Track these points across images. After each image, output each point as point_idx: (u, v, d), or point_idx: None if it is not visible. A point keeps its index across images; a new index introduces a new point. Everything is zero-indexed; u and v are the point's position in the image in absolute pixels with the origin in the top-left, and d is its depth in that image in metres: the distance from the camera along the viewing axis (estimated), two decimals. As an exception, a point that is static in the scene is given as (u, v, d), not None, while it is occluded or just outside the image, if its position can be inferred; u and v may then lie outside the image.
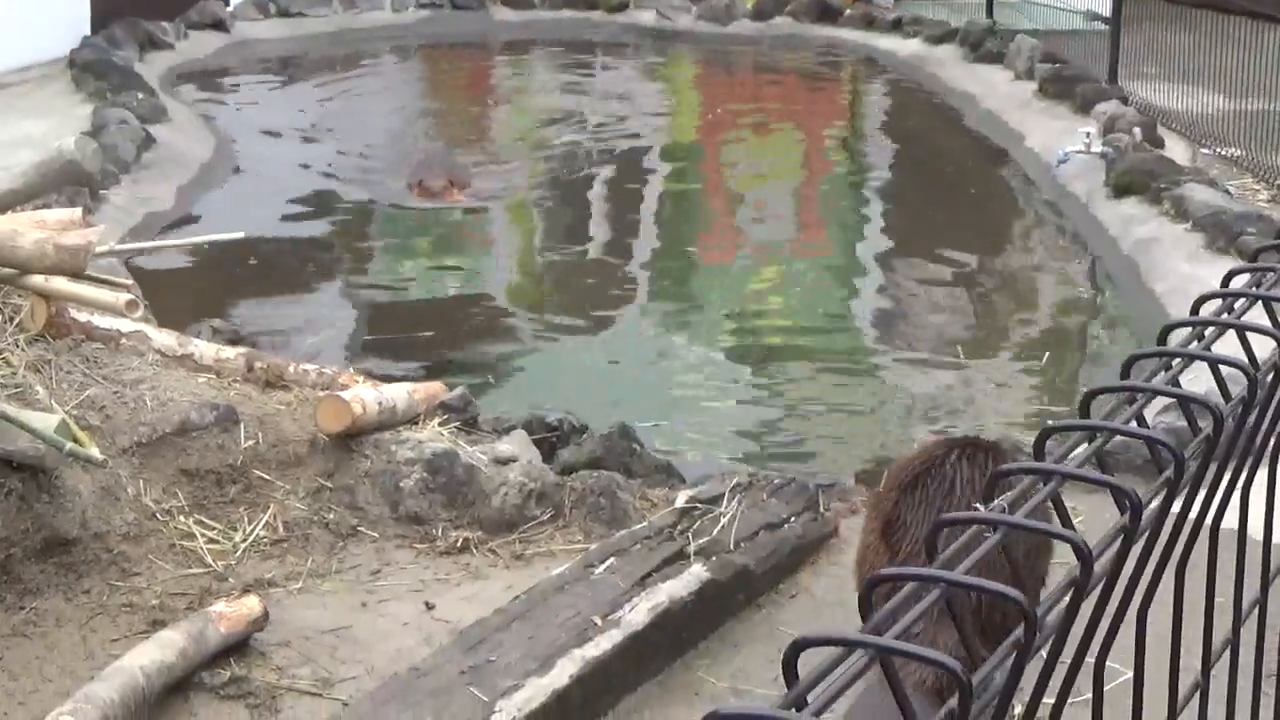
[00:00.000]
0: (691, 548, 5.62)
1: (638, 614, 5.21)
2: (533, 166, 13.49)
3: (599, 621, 5.12)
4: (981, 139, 14.19)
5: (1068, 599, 1.27)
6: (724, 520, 5.79)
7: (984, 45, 16.13)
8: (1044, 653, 1.27)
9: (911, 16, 18.06)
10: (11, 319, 6.15)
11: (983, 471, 6.45)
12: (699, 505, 5.89)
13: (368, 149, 13.61)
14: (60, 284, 6.16)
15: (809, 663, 1.03)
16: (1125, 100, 13.44)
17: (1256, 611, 1.94)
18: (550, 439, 6.74)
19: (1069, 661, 1.37)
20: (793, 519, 5.97)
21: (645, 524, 5.81)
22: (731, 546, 5.68)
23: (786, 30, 18.58)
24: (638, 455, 6.71)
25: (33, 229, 6.04)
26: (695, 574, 5.49)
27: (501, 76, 17.91)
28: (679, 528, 5.74)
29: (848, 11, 18.59)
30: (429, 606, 5.55)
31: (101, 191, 10.79)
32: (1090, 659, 1.50)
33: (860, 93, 17.45)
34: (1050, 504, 1.39)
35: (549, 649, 4.93)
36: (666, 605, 5.30)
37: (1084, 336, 9.77)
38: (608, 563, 5.46)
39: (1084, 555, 1.23)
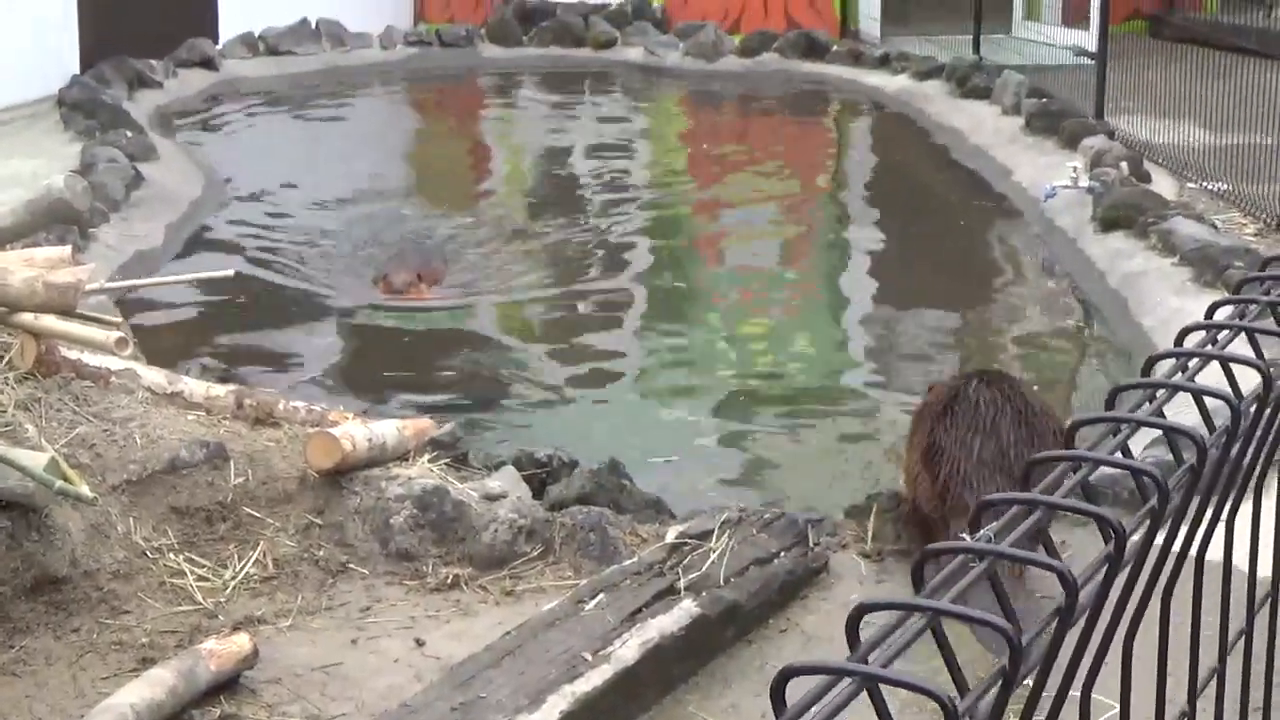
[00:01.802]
0: (682, 583, 5.62)
1: (628, 649, 5.21)
2: (516, 216, 13.42)
3: (589, 657, 5.11)
4: (969, 174, 14.23)
5: (1052, 628, 1.28)
6: (714, 555, 5.79)
7: (971, 81, 16.19)
8: (1029, 682, 1.28)
9: (898, 52, 18.13)
10: (1, 357, 6.15)
11: (1002, 392, 6.60)
12: (689, 541, 5.89)
13: (345, 197, 13.53)
14: (50, 322, 6.17)
15: (796, 693, 1.04)
16: (1112, 135, 13.49)
17: (1242, 642, 1.95)
18: (540, 475, 6.74)
19: (1054, 693, 1.37)
20: (783, 554, 5.97)
21: (635, 560, 5.81)
22: (722, 582, 5.68)
23: (774, 66, 18.64)
24: (627, 491, 6.71)
25: (22, 267, 6.04)
26: (686, 609, 5.48)
27: (488, 115, 17.94)
28: (669, 563, 5.74)
29: (835, 48, 18.65)
30: (419, 643, 5.55)
31: (91, 230, 10.80)
32: (1075, 691, 1.51)
33: (848, 128, 17.50)
34: (1036, 533, 1.40)
35: (540, 685, 4.93)
36: (657, 641, 5.30)
37: (1071, 370, 9.79)
38: (598, 598, 5.46)
39: (1069, 584, 1.24)
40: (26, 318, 6.11)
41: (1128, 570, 1.43)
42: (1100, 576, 1.36)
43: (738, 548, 5.88)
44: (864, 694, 1.16)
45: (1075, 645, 1.39)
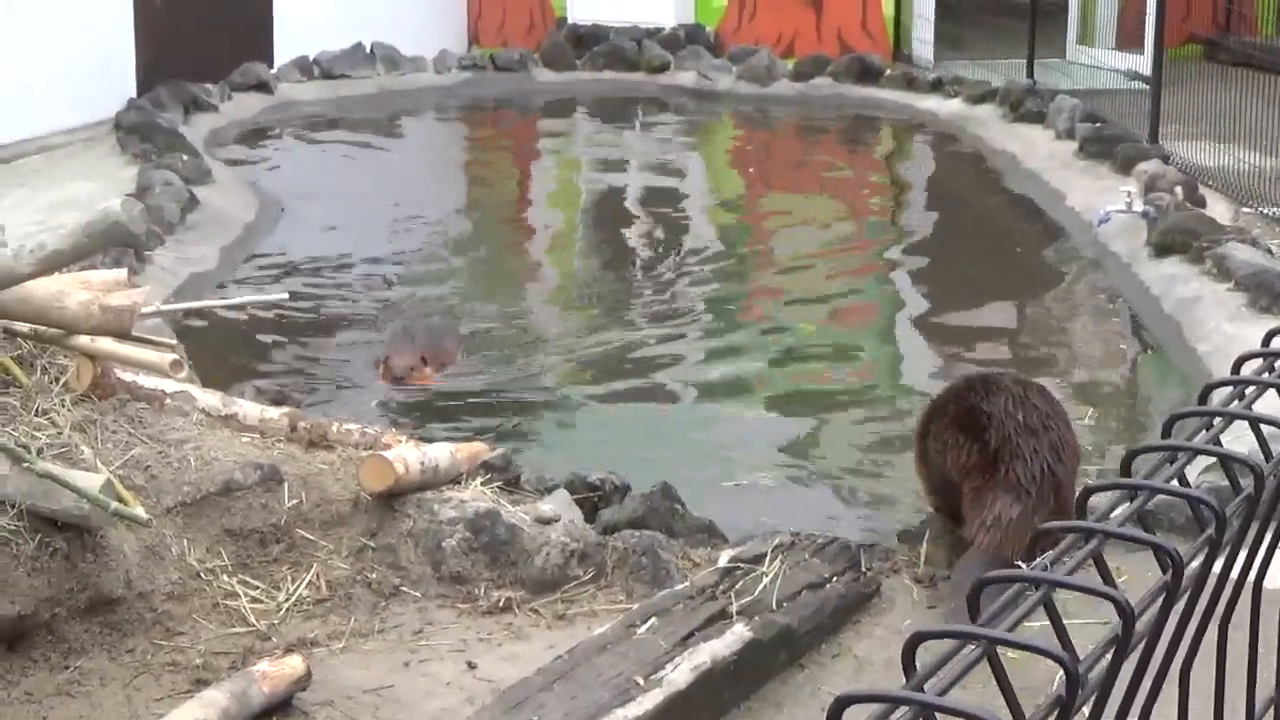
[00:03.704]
0: (734, 607, 5.61)
1: (680, 674, 5.21)
2: (567, 242, 13.42)
3: (641, 681, 5.11)
4: (1022, 199, 14.19)
5: (1110, 657, 1.28)
6: (766, 580, 5.79)
7: (1024, 105, 16.14)
8: (1086, 711, 1.27)
9: (952, 77, 18.09)
10: (57, 379, 6.18)
11: (1015, 378, 6.97)
12: (741, 565, 5.88)
13: (399, 222, 13.51)
14: (106, 344, 6.20)
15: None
16: (1166, 159, 13.43)
17: (1300, 671, 1.93)
18: (592, 499, 6.74)
19: (1112, 720, 1.37)
20: (835, 579, 5.96)
21: (687, 584, 5.81)
22: (774, 606, 5.67)
23: (827, 90, 18.62)
24: (680, 515, 6.70)
25: (79, 290, 6.08)
26: (738, 634, 5.48)
27: (542, 140, 17.96)
28: (721, 587, 5.73)
29: (888, 72, 18.63)
30: (471, 666, 5.56)
31: (146, 252, 10.86)
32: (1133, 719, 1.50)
33: (901, 153, 17.47)
34: (1092, 562, 1.39)
35: (591, 709, 4.93)
36: (709, 665, 5.30)
37: (1126, 396, 9.74)
38: (650, 622, 5.46)
39: (1126, 613, 1.24)
40: (83, 340, 6.14)
41: (1185, 599, 1.42)
42: (1157, 605, 1.36)
43: (790, 572, 5.87)
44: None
45: (1132, 674, 1.38)
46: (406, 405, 9.25)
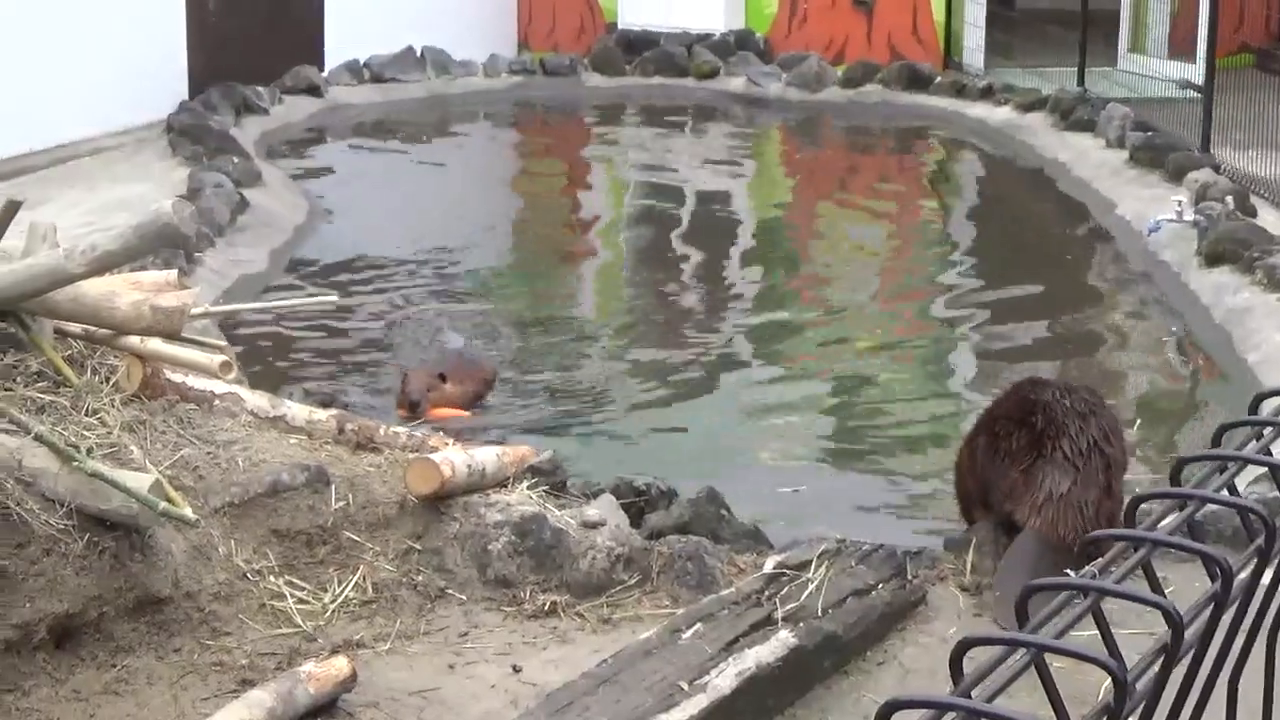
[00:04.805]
0: (779, 614, 5.60)
1: (725, 679, 5.20)
2: (616, 249, 13.42)
3: (685, 686, 5.11)
4: (1073, 207, 14.15)
5: (1158, 666, 1.27)
6: (812, 586, 5.78)
7: (1075, 113, 16.09)
8: None
9: (1002, 84, 18.05)
10: (107, 379, 6.21)
11: (1053, 380, 7.06)
12: (787, 571, 5.87)
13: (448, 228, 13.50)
14: (156, 345, 6.23)
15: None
16: (1217, 168, 13.37)
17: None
18: (638, 503, 6.73)
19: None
20: (881, 586, 5.95)
21: (733, 589, 5.80)
22: (819, 613, 5.66)
23: (877, 97, 18.60)
24: (725, 520, 6.70)
25: (129, 290, 6.11)
26: (782, 640, 5.47)
27: (592, 146, 17.96)
28: (766, 593, 5.72)
29: (938, 79, 18.59)
30: (516, 669, 5.56)
31: (196, 254, 10.91)
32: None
33: (950, 160, 17.44)
34: (1141, 571, 1.39)
35: (636, 714, 4.93)
36: (753, 671, 5.29)
37: (1175, 405, 9.70)
38: (695, 628, 5.45)
39: (1175, 622, 1.23)
40: (133, 341, 6.17)
41: (1233, 610, 1.41)
42: (1206, 615, 1.35)
43: (835, 579, 5.86)
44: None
45: (1180, 684, 1.38)
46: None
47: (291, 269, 12.04)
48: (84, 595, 5.39)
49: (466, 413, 8.87)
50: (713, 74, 19.44)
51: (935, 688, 5.11)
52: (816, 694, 5.50)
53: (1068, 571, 1.90)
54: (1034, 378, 6.87)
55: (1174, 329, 10.74)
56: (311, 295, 10.34)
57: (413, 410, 8.69)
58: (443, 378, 8.97)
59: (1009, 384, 6.93)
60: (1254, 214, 12.12)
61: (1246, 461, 1.54)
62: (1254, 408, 1.74)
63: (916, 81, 18.58)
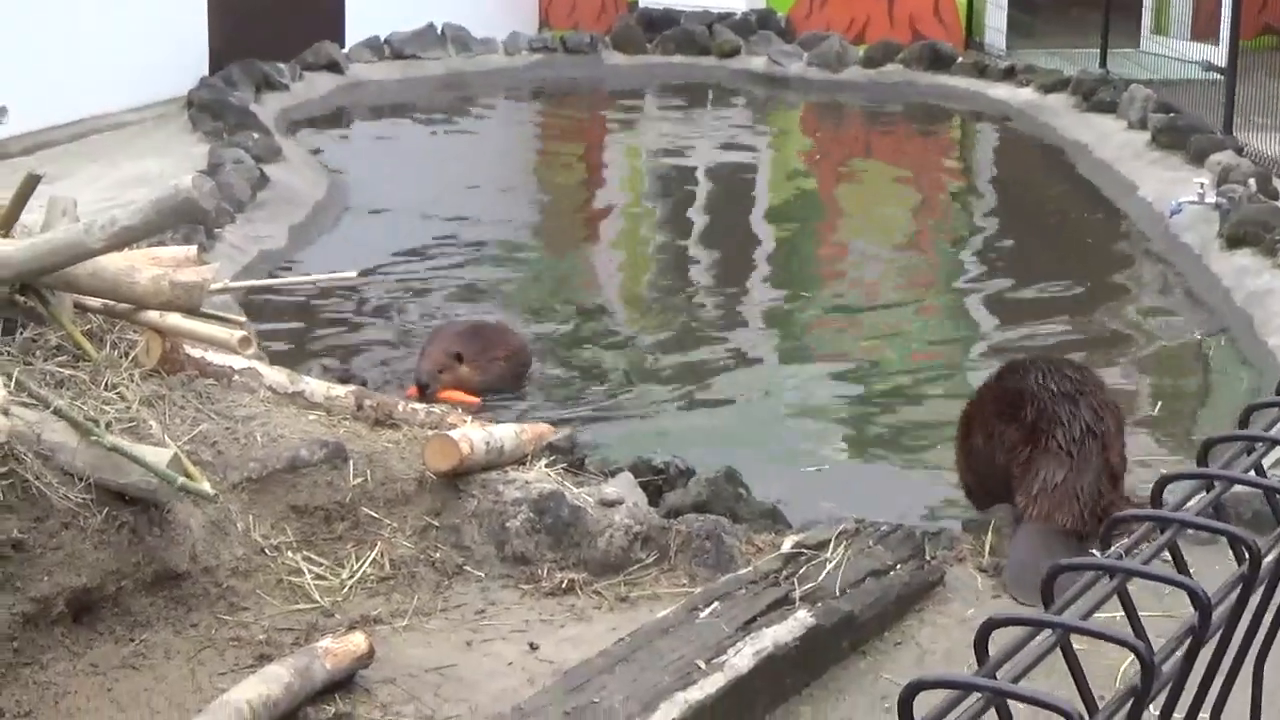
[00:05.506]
0: (797, 593, 5.59)
1: (742, 658, 5.20)
2: (635, 229, 13.41)
3: (703, 665, 5.10)
4: (1094, 189, 14.10)
5: (1185, 647, 1.26)
6: (830, 566, 5.77)
7: (1097, 94, 16.03)
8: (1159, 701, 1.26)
9: (1024, 65, 17.98)
10: (126, 354, 6.21)
11: (1042, 357, 7.14)
12: (805, 551, 5.86)
13: (466, 206, 13.51)
14: (175, 320, 6.23)
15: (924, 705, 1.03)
16: (1240, 151, 13.32)
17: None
18: (656, 482, 6.73)
19: (1184, 715, 1.35)
20: (899, 566, 5.94)
21: (750, 569, 5.79)
22: (837, 593, 5.65)
23: (898, 78, 18.53)
24: (744, 499, 6.69)
25: (149, 265, 6.11)
26: (800, 620, 5.46)
27: (612, 124, 17.92)
28: (784, 573, 5.71)
29: (960, 60, 18.52)
30: (533, 647, 5.56)
31: (216, 230, 10.91)
32: (1205, 713, 1.48)
33: (972, 141, 17.39)
34: (1167, 551, 1.37)
35: (652, 692, 4.92)
36: (771, 650, 5.28)
37: (1197, 388, 9.67)
38: (712, 606, 5.45)
39: (1203, 603, 1.22)
40: (152, 315, 6.18)
41: (1260, 592, 1.40)
42: (1233, 597, 1.34)
43: (853, 559, 5.85)
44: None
45: (1206, 666, 1.36)
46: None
47: (311, 244, 12.03)
48: (102, 569, 5.40)
49: (477, 399, 8.57)
50: (734, 53, 19.38)
51: (953, 669, 5.10)
52: (833, 674, 5.50)
53: (1094, 552, 1.90)
54: (1014, 363, 6.89)
55: (1195, 311, 10.70)
56: (330, 271, 10.32)
57: (423, 392, 8.45)
58: (459, 358, 8.72)
59: (991, 374, 7.00)
60: (1276, 196, 12.07)
61: (1275, 442, 1.53)
62: (1281, 389, 1.72)
63: (938, 62, 18.51)
